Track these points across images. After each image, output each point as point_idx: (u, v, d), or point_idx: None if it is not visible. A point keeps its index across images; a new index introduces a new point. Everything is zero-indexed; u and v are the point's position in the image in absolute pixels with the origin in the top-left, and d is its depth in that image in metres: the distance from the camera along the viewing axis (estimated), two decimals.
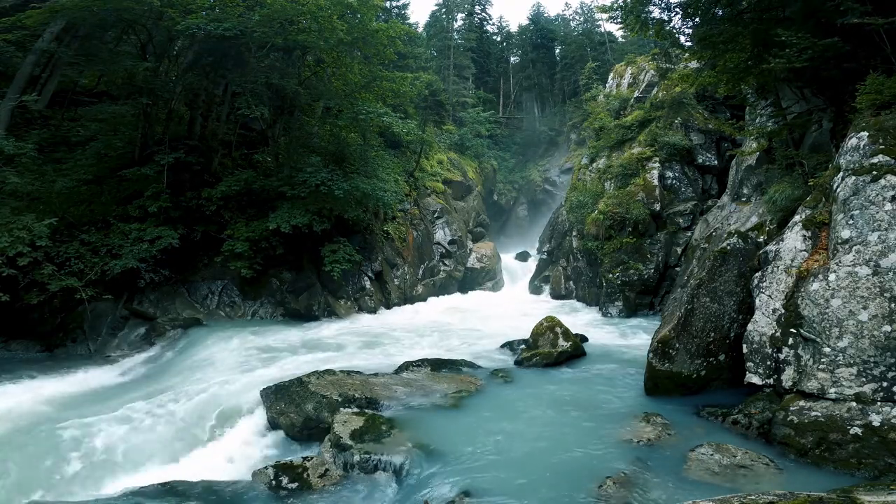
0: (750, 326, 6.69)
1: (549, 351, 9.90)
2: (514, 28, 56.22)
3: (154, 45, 14.68)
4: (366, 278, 16.92)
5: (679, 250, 16.67)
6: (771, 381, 6.32)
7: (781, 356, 6.22)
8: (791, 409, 5.82)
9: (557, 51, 50.06)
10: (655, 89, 21.37)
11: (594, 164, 20.97)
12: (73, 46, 13.41)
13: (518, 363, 9.95)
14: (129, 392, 9.00)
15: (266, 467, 5.79)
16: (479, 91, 42.41)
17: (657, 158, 17.96)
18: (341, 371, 8.39)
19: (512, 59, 53.54)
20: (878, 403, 5.34)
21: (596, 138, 22.24)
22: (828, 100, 9.62)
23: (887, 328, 5.44)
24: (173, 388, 8.73)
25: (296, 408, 7.13)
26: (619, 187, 18.27)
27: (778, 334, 6.32)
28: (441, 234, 23.63)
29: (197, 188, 14.49)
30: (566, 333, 10.37)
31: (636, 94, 22.41)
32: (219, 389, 8.34)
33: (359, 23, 15.82)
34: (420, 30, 43.07)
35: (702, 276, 7.66)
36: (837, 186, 6.47)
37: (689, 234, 16.81)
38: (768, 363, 6.37)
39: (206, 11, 13.59)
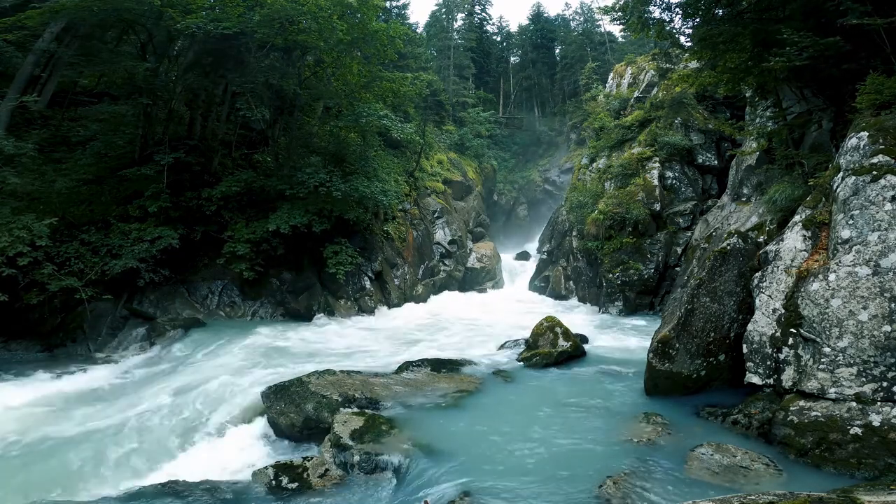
0: (750, 326, 6.69)
1: (549, 351, 9.90)
2: (514, 28, 56.34)
3: (154, 45, 14.67)
4: (366, 278, 16.92)
5: (679, 250, 16.67)
6: (771, 381, 6.32)
7: (781, 356, 6.22)
8: (791, 409, 5.82)
9: (557, 51, 50.09)
10: (655, 89, 21.39)
11: (594, 164, 20.98)
12: (73, 46, 13.40)
13: (518, 363, 9.95)
14: (129, 392, 9.00)
15: (266, 467, 5.79)
16: (479, 91, 42.43)
17: (657, 158, 17.97)
18: (341, 371, 8.39)
19: (512, 59, 53.58)
20: (878, 403, 5.34)
21: (596, 138, 22.25)
22: (828, 100, 9.63)
23: (887, 328, 5.44)
24: (173, 389, 8.73)
25: (296, 408, 7.13)
26: (619, 187, 18.27)
27: (778, 334, 6.32)
28: (441, 234, 23.63)
29: (197, 188, 14.49)
30: (566, 333, 10.37)
31: (636, 94, 22.42)
32: (219, 389, 8.34)
33: (359, 23, 15.82)
34: (420, 30, 43.13)
35: (702, 276, 7.65)
36: (837, 186, 6.47)
37: (689, 234, 16.80)
38: (768, 363, 6.37)
39: (206, 11, 13.59)
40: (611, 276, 16.54)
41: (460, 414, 7.08)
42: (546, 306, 18.69)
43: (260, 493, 5.47)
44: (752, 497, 3.55)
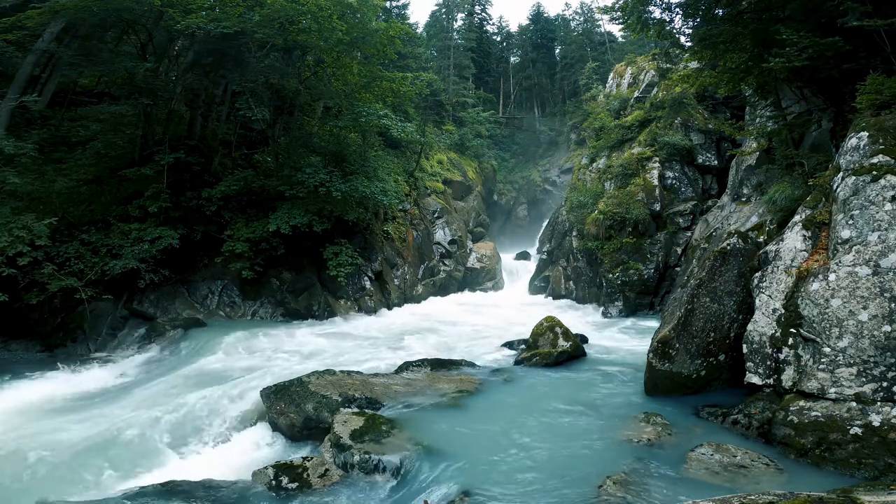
0: (750, 326, 6.69)
1: (550, 351, 9.90)
2: (514, 28, 56.40)
3: (154, 45, 14.67)
4: (366, 278, 16.92)
5: (679, 250, 16.67)
6: (771, 381, 6.32)
7: (781, 356, 6.22)
8: (791, 409, 5.82)
9: (557, 51, 50.08)
10: (655, 89, 21.38)
11: (594, 164, 20.98)
12: (73, 46, 13.40)
13: (518, 363, 9.95)
14: (129, 392, 8.99)
15: (266, 467, 5.79)
16: (479, 91, 42.40)
17: (657, 158, 17.96)
18: (341, 371, 8.39)
19: (512, 59, 53.55)
20: (878, 403, 5.34)
21: (596, 138, 22.25)
22: (828, 100, 9.63)
23: (887, 328, 5.44)
24: (173, 389, 8.74)
25: (296, 408, 7.13)
26: (619, 187, 18.27)
27: (778, 334, 6.32)
28: (441, 234, 23.63)
29: (197, 188, 14.49)
30: (566, 333, 10.37)
31: (636, 94, 22.41)
32: (219, 389, 8.34)
33: (358, 22, 15.82)
34: (420, 30, 43.10)
35: (702, 276, 7.65)
36: (837, 186, 6.47)
37: (689, 234, 16.81)
38: (768, 363, 6.37)
39: (206, 11, 13.59)
40: (611, 276, 16.54)
41: (460, 414, 7.08)
42: (546, 306, 18.69)
43: (260, 493, 5.47)
44: (752, 497, 3.55)
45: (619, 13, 11.69)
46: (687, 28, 11.63)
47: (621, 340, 12.30)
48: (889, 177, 5.85)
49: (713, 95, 18.06)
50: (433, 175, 26.03)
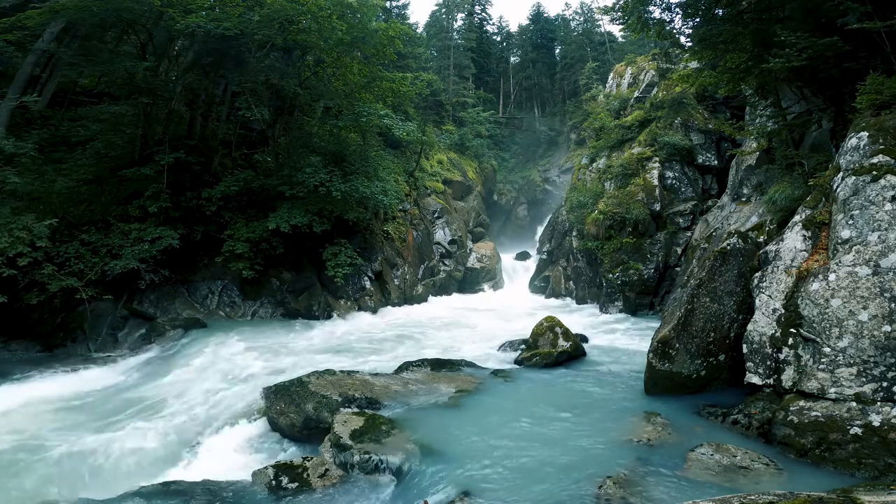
0: (750, 326, 6.69)
1: (550, 351, 9.90)
2: (514, 28, 56.38)
3: (154, 45, 14.67)
4: (366, 278, 16.92)
5: (679, 250, 16.67)
6: (771, 381, 6.32)
7: (781, 356, 6.22)
8: (791, 409, 5.82)
9: (557, 51, 50.08)
10: (655, 89, 21.38)
11: (594, 164, 20.98)
12: (73, 46, 13.39)
13: (518, 363, 9.96)
14: (129, 392, 8.99)
15: (266, 467, 5.79)
16: (479, 91, 42.40)
17: (657, 158, 17.96)
18: (341, 371, 8.39)
19: (512, 59, 53.56)
20: (878, 403, 5.34)
21: (596, 138, 22.25)
22: (828, 100, 9.62)
23: (887, 328, 5.44)
24: (173, 389, 8.74)
25: (296, 408, 7.13)
26: (619, 187, 18.27)
27: (778, 334, 6.32)
28: (441, 234, 23.63)
29: (197, 188, 14.49)
30: (566, 333, 10.37)
31: (636, 94, 22.41)
32: (219, 390, 8.35)
33: (358, 22, 15.82)
34: (420, 30, 43.09)
35: (702, 276, 7.65)
36: (837, 186, 6.47)
37: (689, 234, 16.81)
38: (768, 363, 6.37)
39: (206, 11, 13.58)
40: (611, 276, 16.54)
41: (460, 414, 7.08)
42: (546, 306, 18.69)
43: (260, 493, 5.46)
44: (752, 497, 3.55)
45: (619, 13, 11.69)
46: (687, 28, 11.65)
47: (621, 340, 12.30)
48: (889, 177, 5.85)
49: (713, 95, 18.05)
50: (433, 175, 26.03)
